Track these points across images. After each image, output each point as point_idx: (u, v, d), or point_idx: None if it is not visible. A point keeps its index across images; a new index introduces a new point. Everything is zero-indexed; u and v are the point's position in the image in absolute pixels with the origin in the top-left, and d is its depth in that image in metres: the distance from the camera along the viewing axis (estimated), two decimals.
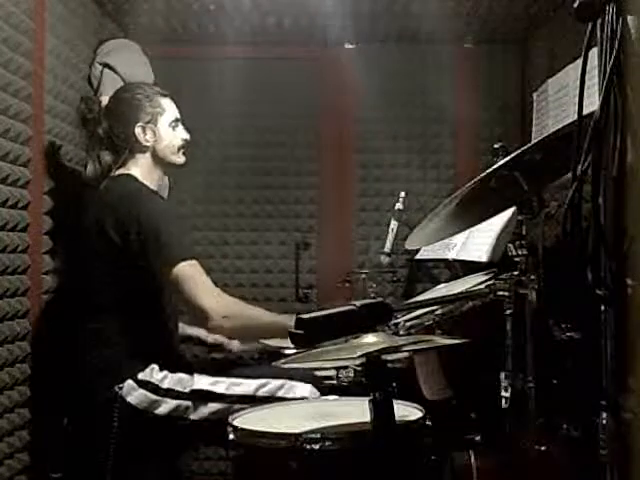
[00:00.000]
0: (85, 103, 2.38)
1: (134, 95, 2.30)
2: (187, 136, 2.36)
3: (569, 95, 2.64)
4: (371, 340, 1.52)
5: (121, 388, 2.05)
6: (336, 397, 1.96)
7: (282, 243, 3.42)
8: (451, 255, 2.85)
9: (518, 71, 3.44)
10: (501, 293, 1.96)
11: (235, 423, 1.65)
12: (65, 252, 2.44)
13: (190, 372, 2.13)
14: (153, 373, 2.10)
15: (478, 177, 1.89)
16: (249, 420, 1.70)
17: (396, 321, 2.18)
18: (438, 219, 2.10)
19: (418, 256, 3.15)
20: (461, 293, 2.27)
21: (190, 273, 2.05)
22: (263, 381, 2.10)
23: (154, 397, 2.06)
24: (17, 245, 2.13)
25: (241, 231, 3.43)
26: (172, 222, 2.13)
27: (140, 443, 2.10)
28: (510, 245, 2.00)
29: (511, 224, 2.46)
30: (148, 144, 2.28)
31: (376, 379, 1.45)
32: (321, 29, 3.18)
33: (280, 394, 2.09)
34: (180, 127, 2.35)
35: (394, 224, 2.97)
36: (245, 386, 2.10)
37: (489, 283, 2.04)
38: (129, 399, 2.05)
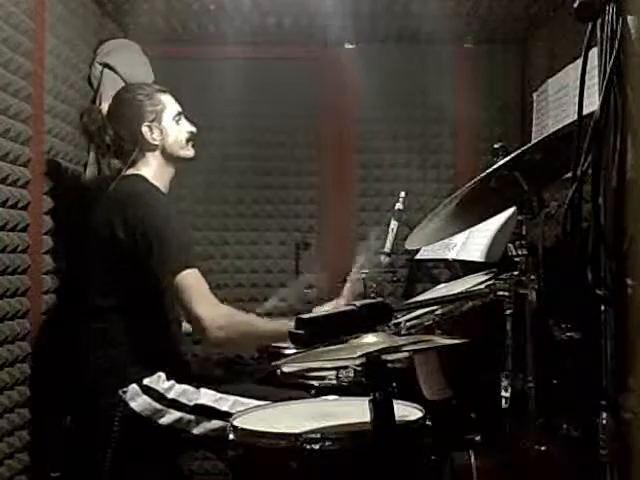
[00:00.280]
0: (87, 115, 2.38)
1: (135, 96, 2.30)
2: (193, 128, 2.36)
3: (569, 95, 2.64)
4: (371, 340, 1.52)
5: (125, 392, 2.04)
6: (336, 397, 1.96)
7: (282, 243, 3.42)
8: (451, 255, 2.85)
9: (518, 71, 3.44)
10: (501, 293, 1.96)
11: (235, 423, 1.65)
12: (67, 252, 2.44)
13: (197, 384, 2.12)
14: (160, 381, 2.09)
15: (478, 177, 1.90)
16: (249, 420, 1.70)
17: (396, 321, 2.18)
18: (438, 219, 2.10)
19: (418, 256, 3.15)
20: (461, 293, 2.27)
21: (189, 282, 2.05)
22: (267, 403, 2.07)
23: (158, 406, 2.05)
24: (17, 245, 2.13)
25: (241, 231, 3.43)
26: (177, 227, 2.12)
27: (139, 449, 2.09)
28: (510, 245, 2.00)
29: (511, 224, 2.46)
30: (156, 142, 2.28)
31: (376, 379, 1.45)
32: (321, 29, 3.18)
33: None
34: (183, 120, 2.35)
35: (394, 224, 2.97)
36: (250, 406, 2.07)
37: (489, 283, 2.04)
38: (132, 405, 2.04)
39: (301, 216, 3.44)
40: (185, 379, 2.12)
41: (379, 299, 1.55)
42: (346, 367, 2.15)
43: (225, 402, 2.07)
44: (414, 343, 1.60)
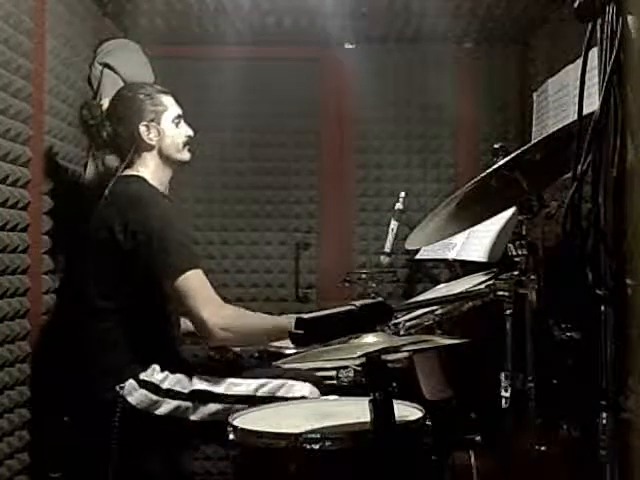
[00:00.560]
0: (88, 109, 2.38)
1: (136, 95, 2.30)
2: (191, 132, 2.36)
3: (569, 95, 2.64)
4: (371, 340, 1.52)
5: (122, 388, 2.05)
6: (336, 397, 1.96)
7: (282, 243, 3.42)
8: (451, 255, 2.85)
9: (518, 71, 3.44)
10: (501, 293, 1.96)
11: (235, 423, 1.65)
12: (67, 252, 2.44)
13: (190, 374, 2.13)
14: (154, 373, 2.10)
15: (478, 177, 1.90)
16: (249, 420, 1.70)
17: (396, 321, 2.18)
18: (438, 219, 2.10)
19: (418, 256, 3.15)
20: (461, 293, 2.27)
21: (193, 284, 2.05)
22: (263, 381, 2.10)
23: (154, 397, 2.06)
24: (17, 245, 2.13)
25: (241, 231, 3.43)
26: (179, 229, 2.12)
27: (141, 443, 2.11)
28: (510, 245, 2.00)
29: (511, 224, 2.46)
30: (153, 142, 2.28)
31: (376, 379, 1.45)
32: (321, 29, 3.17)
33: (280, 394, 2.09)
34: (183, 124, 2.35)
35: (394, 224, 2.97)
36: (245, 386, 2.10)
37: (489, 283, 2.04)
38: (130, 399, 2.05)
39: (301, 216, 3.44)
40: (179, 370, 2.14)
41: (379, 299, 1.55)
42: (346, 367, 2.14)
43: (220, 385, 2.09)
44: (414, 343, 1.60)
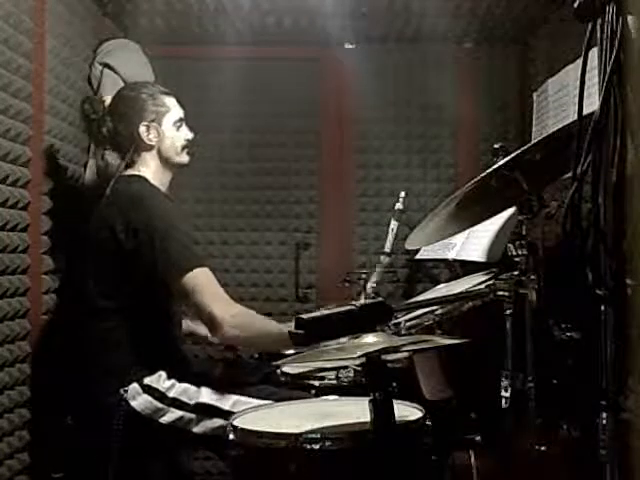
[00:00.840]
0: (90, 104, 2.37)
1: (138, 94, 2.29)
2: (191, 136, 2.35)
3: (569, 95, 2.64)
4: (371, 340, 1.52)
5: (126, 391, 2.04)
6: (336, 397, 1.96)
7: (282, 243, 3.42)
8: (451, 255, 2.85)
9: (518, 71, 3.44)
10: (501, 293, 1.96)
11: (235, 423, 1.65)
12: (67, 252, 2.44)
13: (197, 384, 2.12)
14: (160, 380, 2.09)
15: (478, 177, 1.90)
16: (249, 420, 1.70)
17: (396, 321, 2.18)
18: (438, 219, 2.10)
19: (418, 256, 3.15)
20: (461, 293, 2.27)
21: (201, 281, 2.04)
22: (268, 402, 2.07)
23: (159, 405, 2.05)
24: (17, 245, 2.13)
25: (241, 231, 3.43)
26: (182, 228, 2.11)
27: (140, 448, 2.09)
28: (510, 245, 2.00)
29: (511, 224, 2.46)
30: (152, 143, 2.27)
31: (376, 379, 1.45)
32: (321, 29, 3.17)
33: None
34: (184, 127, 2.34)
35: (394, 224, 2.97)
36: (251, 405, 2.06)
37: (489, 283, 2.04)
38: (133, 404, 2.04)
39: (301, 216, 3.44)
40: (186, 378, 2.12)
41: (379, 299, 1.55)
42: (346, 367, 2.14)
43: (226, 401, 2.06)
44: (414, 343, 1.60)
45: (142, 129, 2.26)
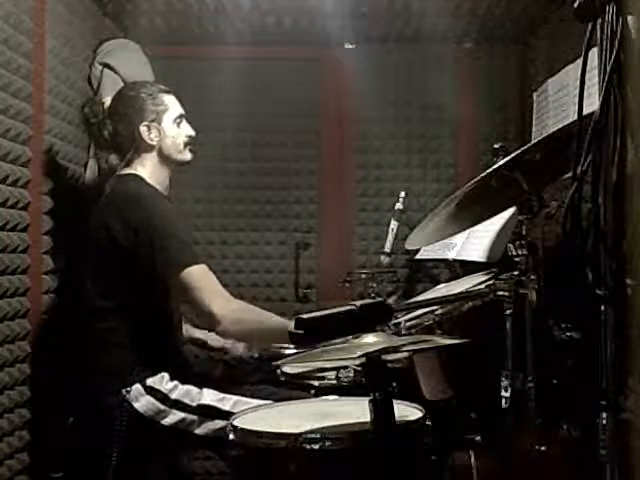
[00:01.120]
0: (89, 107, 2.37)
1: (137, 94, 2.29)
2: (192, 132, 2.34)
3: (569, 95, 2.64)
4: (371, 340, 1.52)
5: (129, 392, 2.04)
6: (336, 397, 1.96)
7: (282, 243, 3.42)
8: (451, 255, 2.85)
9: (518, 71, 3.44)
10: (501, 293, 1.96)
11: (235, 423, 1.65)
12: (65, 252, 2.44)
13: (199, 385, 2.12)
14: (163, 382, 2.08)
15: (478, 177, 1.90)
16: (249, 420, 1.70)
17: (396, 321, 2.18)
18: (438, 219, 2.10)
19: (418, 256, 3.15)
20: (461, 293, 2.27)
21: (199, 277, 2.04)
22: (269, 402, 2.07)
23: (161, 406, 2.05)
24: (17, 245, 2.13)
25: (241, 231, 3.43)
26: (179, 226, 2.12)
27: (142, 449, 2.09)
28: (510, 245, 2.00)
29: (511, 224, 2.46)
30: (153, 143, 2.27)
31: (376, 379, 1.45)
32: (321, 29, 3.18)
33: None
34: (185, 123, 2.34)
35: (394, 224, 2.97)
36: (252, 405, 2.07)
37: (489, 283, 2.04)
38: (136, 405, 2.04)
39: (301, 216, 3.44)
40: (188, 379, 2.12)
41: (379, 299, 1.55)
42: (346, 367, 2.14)
43: (227, 402, 2.07)
44: (414, 343, 1.60)
45: (143, 129, 2.25)
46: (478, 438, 2.15)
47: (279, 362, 2.04)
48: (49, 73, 2.40)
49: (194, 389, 2.09)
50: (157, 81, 2.75)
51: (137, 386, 2.05)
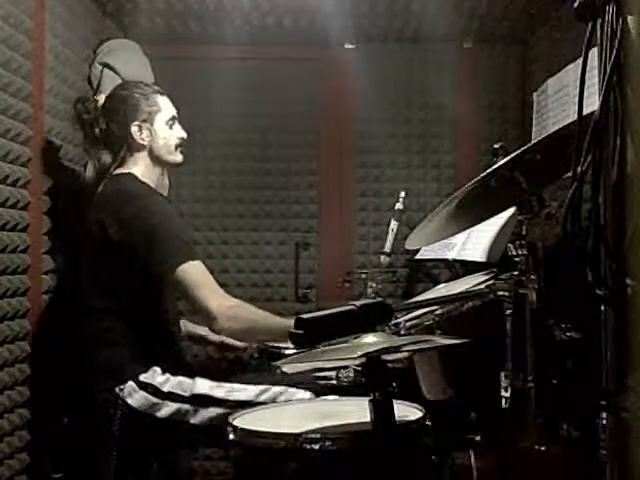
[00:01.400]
0: (82, 104, 2.38)
1: (131, 93, 2.29)
2: (184, 135, 2.34)
3: (569, 95, 2.64)
4: (371, 340, 1.52)
5: (122, 389, 2.05)
6: (336, 397, 1.96)
7: (282, 243, 3.42)
8: (451, 255, 2.85)
9: (518, 71, 3.44)
10: (501, 293, 1.96)
11: (235, 423, 1.65)
12: (65, 252, 2.44)
13: (191, 375, 2.13)
14: (155, 376, 2.10)
15: (478, 177, 1.89)
16: (249, 420, 1.70)
17: (396, 321, 2.18)
18: (438, 219, 2.09)
19: (418, 256, 3.15)
20: (461, 293, 2.27)
21: (194, 274, 2.05)
22: (264, 387, 2.09)
23: (155, 400, 2.06)
24: (17, 245, 2.13)
25: (241, 231, 3.43)
26: (174, 222, 2.13)
27: (140, 445, 2.10)
28: (510, 245, 2.00)
29: (511, 224, 2.46)
30: (144, 143, 2.28)
31: (376, 379, 1.45)
32: (321, 29, 3.17)
33: (281, 400, 2.08)
34: (177, 125, 2.34)
35: (394, 224, 2.97)
36: (246, 392, 2.09)
37: (489, 283, 2.04)
38: (130, 401, 2.05)
39: (301, 216, 3.44)
40: (180, 371, 2.13)
41: (379, 299, 1.55)
42: (346, 367, 2.14)
43: (221, 389, 2.09)
44: (414, 343, 1.60)
45: (134, 129, 2.26)
46: (478, 438, 2.15)
47: (279, 362, 2.04)
48: (49, 73, 2.40)
49: (186, 380, 2.11)
50: (157, 81, 2.76)
51: (130, 383, 2.06)
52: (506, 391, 1.93)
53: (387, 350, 1.47)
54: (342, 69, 3.36)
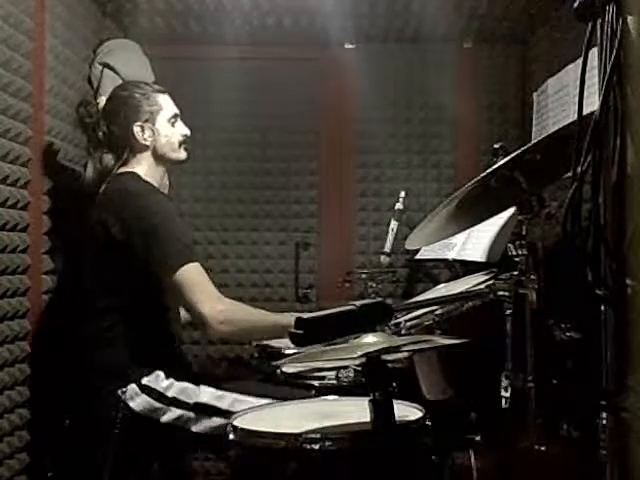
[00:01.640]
0: (84, 107, 2.38)
1: (131, 94, 2.29)
2: (187, 131, 2.34)
3: (569, 95, 2.64)
4: (371, 340, 1.52)
5: (124, 392, 2.05)
6: (336, 397, 1.96)
7: (282, 243, 3.42)
8: (451, 255, 2.85)
9: (518, 71, 3.44)
10: (501, 293, 1.96)
11: (235, 423, 1.65)
12: (66, 252, 2.44)
13: (196, 382, 2.12)
14: (158, 380, 2.09)
15: (478, 177, 1.89)
16: (249, 420, 1.70)
17: (396, 321, 2.18)
18: (438, 219, 2.09)
19: (418, 256, 3.15)
20: (461, 293, 2.27)
21: (191, 277, 2.04)
22: (267, 401, 2.07)
23: (158, 405, 2.05)
24: (17, 245, 2.13)
25: (241, 231, 3.43)
26: (175, 223, 2.12)
27: (140, 448, 2.10)
28: (510, 245, 2.00)
29: (511, 224, 2.46)
30: (147, 143, 2.27)
31: (376, 379, 1.45)
32: (321, 29, 3.18)
33: None
34: (179, 122, 2.34)
35: (394, 224, 2.97)
36: (249, 404, 2.07)
37: (489, 283, 2.04)
38: (132, 404, 2.04)
39: (301, 216, 3.44)
40: (184, 377, 2.13)
41: (379, 299, 1.55)
42: (346, 367, 2.14)
43: (225, 400, 2.07)
44: (414, 343, 1.60)
45: (136, 129, 2.26)
46: (478, 438, 2.15)
47: (279, 362, 2.04)
48: (49, 73, 2.40)
49: (191, 386, 2.10)
50: (157, 81, 2.75)
51: (132, 386, 2.06)
52: (506, 391, 1.93)
53: (387, 350, 1.47)
54: (342, 69, 3.36)
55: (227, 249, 3.42)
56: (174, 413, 2.05)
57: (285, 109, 3.38)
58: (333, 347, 1.61)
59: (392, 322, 2.15)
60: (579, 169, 1.27)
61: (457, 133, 3.45)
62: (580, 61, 1.30)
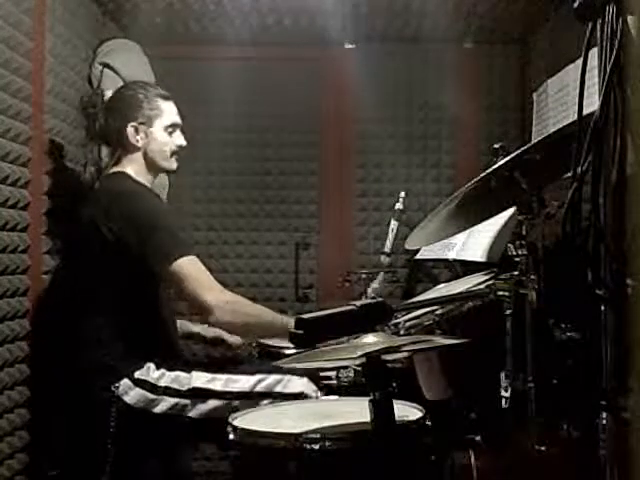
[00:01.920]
0: (89, 97, 2.39)
1: (134, 94, 2.29)
2: (183, 143, 2.32)
3: (569, 95, 2.64)
4: (371, 340, 1.52)
5: (117, 387, 2.05)
6: (336, 397, 1.96)
7: (282, 243, 3.42)
8: (451, 255, 2.85)
9: (518, 71, 3.44)
10: (501, 293, 1.96)
11: (235, 423, 1.65)
12: (63, 251, 2.44)
13: (188, 370, 2.13)
14: (149, 372, 2.10)
15: (478, 177, 1.90)
16: (249, 420, 1.70)
17: (396, 321, 2.18)
18: (438, 219, 2.10)
19: (418, 256, 3.15)
20: (461, 293, 2.27)
21: (190, 269, 2.05)
22: (260, 377, 2.10)
23: (151, 396, 2.06)
24: (17, 245, 2.13)
25: (241, 231, 3.43)
26: (167, 219, 2.13)
27: (139, 442, 2.10)
28: (510, 245, 2.00)
29: (511, 224, 2.46)
30: (138, 145, 2.27)
31: (376, 379, 1.45)
32: (321, 29, 3.17)
33: (278, 389, 2.08)
34: (178, 133, 2.32)
35: (394, 224, 2.97)
36: (242, 382, 2.10)
37: (489, 283, 2.04)
38: (126, 398, 2.05)
39: (301, 216, 3.44)
40: (176, 366, 2.14)
41: (379, 299, 1.55)
42: (346, 367, 2.15)
43: (218, 382, 2.10)
44: (414, 343, 1.60)
45: (130, 129, 2.26)
46: (478, 438, 2.15)
47: (279, 362, 2.04)
48: (49, 73, 2.40)
49: (182, 374, 2.11)
50: (157, 81, 2.75)
51: (125, 380, 2.07)
52: (506, 391, 1.93)
53: (387, 350, 1.47)
54: (342, 69, 3.36)
55: (227, 249, 3.42)
56: (168, 402, 2.06)
57: (285, 109, 3.38)
58: (333, 347, 1.61)
59: (392, 322, 2.15)
60: (579, 169, 1.27)
61: (457, 133, 3.45)
62: (580, 61, 1.30)
